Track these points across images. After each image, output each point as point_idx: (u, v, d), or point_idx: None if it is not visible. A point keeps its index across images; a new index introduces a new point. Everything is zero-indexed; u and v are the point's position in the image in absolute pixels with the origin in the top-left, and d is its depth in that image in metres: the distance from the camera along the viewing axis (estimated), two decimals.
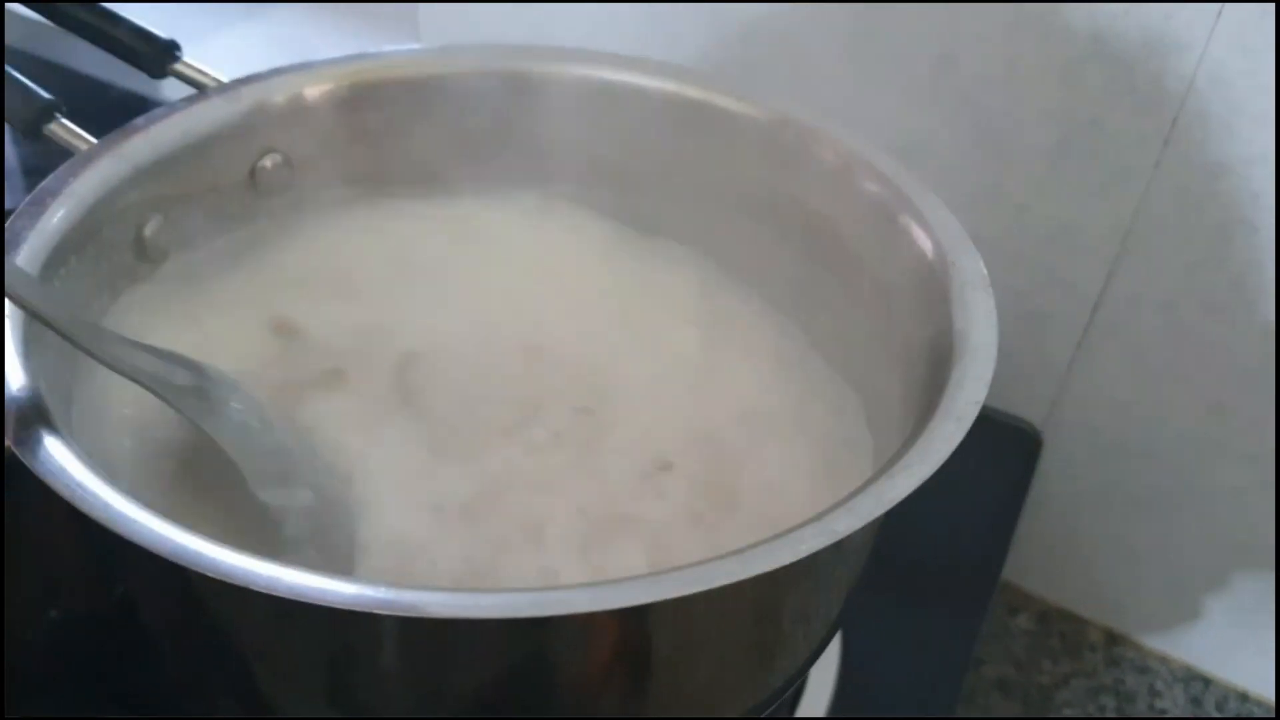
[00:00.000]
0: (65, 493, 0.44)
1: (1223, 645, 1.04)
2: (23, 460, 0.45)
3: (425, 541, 0.59)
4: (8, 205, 0.80)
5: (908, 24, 0.85)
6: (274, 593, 0.41)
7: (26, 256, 0.55)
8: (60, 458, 0.46)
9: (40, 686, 0.72)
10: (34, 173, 1.03)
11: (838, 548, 0.44)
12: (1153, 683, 1.07)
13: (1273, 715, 1.04)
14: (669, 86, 0.71)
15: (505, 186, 0.75)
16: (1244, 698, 1.05)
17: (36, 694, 0.71)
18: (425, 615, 0.42)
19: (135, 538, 0.42)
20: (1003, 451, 0.96)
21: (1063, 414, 0.98)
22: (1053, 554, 1.06)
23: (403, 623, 0.45)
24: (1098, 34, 0.80)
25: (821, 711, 0.75)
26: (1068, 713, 1.09)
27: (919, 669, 0.79)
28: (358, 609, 0.41)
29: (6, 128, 0.67)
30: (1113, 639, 1.08)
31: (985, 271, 0.58)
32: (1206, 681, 1.06)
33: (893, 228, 0.63)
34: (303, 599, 0.41)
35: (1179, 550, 1.00)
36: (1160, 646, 1.07)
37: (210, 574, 0.41)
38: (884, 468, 0.47)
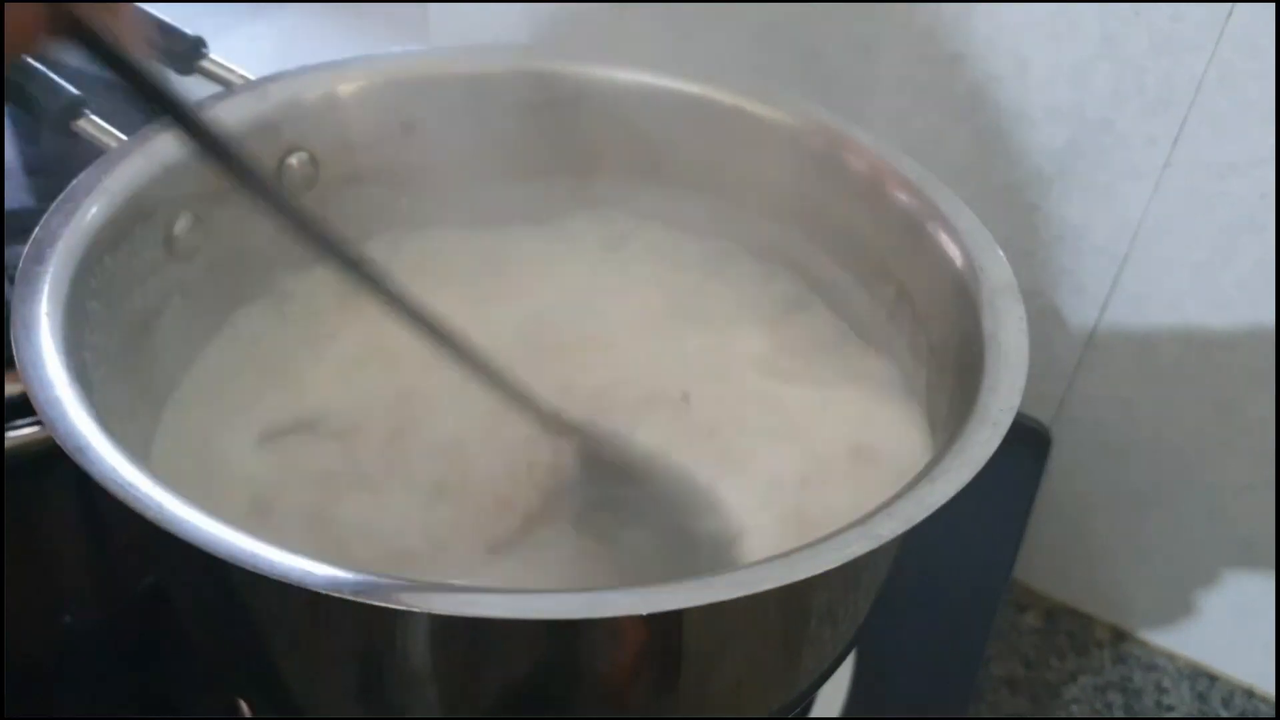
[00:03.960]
0: (119, 492, 0.44)
1: (1229, 642, 1.05)
2: (73, 459, 0.46)
3: None
4: (12, 206, 0.80)
5: (919, 24, 0.86)
6: (325, 591, 0.41)
7: (62, 254, 0.55)
8: (110, 459, 0.46)
9: (52, 687, 0.72)
10: (37, 172, 1.02)
11: (873, 552, 0.45)
12: (1159, 679, 1.08)
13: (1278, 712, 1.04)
14: (697, 90, 0.72)
15: (534, 185, 0.76)
16: (1250, 694, 1.06)
17: (48, 696, 0.72)
18: (473, 616, 0.42)
19: (189, 537, 0.43)
20: (1012, 450, 0.95)
21: (1071, 413, 0.98)
22: (1060, 552, 1.07)
23: (440, 620, 0.46)
24: (1108, 35, 0.80)
25: (837, 707, 0.76)
26: (1075, 710, 1.10)
27: (932, 667, 0.80)
28: (403, 609, 0.42)
29: (19, 122, 0.68)
30: (1120, 636, 1.09)
31: (1014, 279, 0.58)
32: (1213, 678, 1.07)
33: (921, 235, 0.64)
34: (347, 597, 0.42)
35: (1186, 548, 1.01)
36: (1167, 644, 1.08)
37: (260, 571, 0.42)
38: (923, 472, 0.48)
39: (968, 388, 0.54)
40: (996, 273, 0.59)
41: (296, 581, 0.41)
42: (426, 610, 0.42)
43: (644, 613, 0.42)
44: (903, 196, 0.65)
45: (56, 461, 0.46)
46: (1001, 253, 0.61)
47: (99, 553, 0.78)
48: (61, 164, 0.61)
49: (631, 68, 0.73)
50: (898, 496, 0.47)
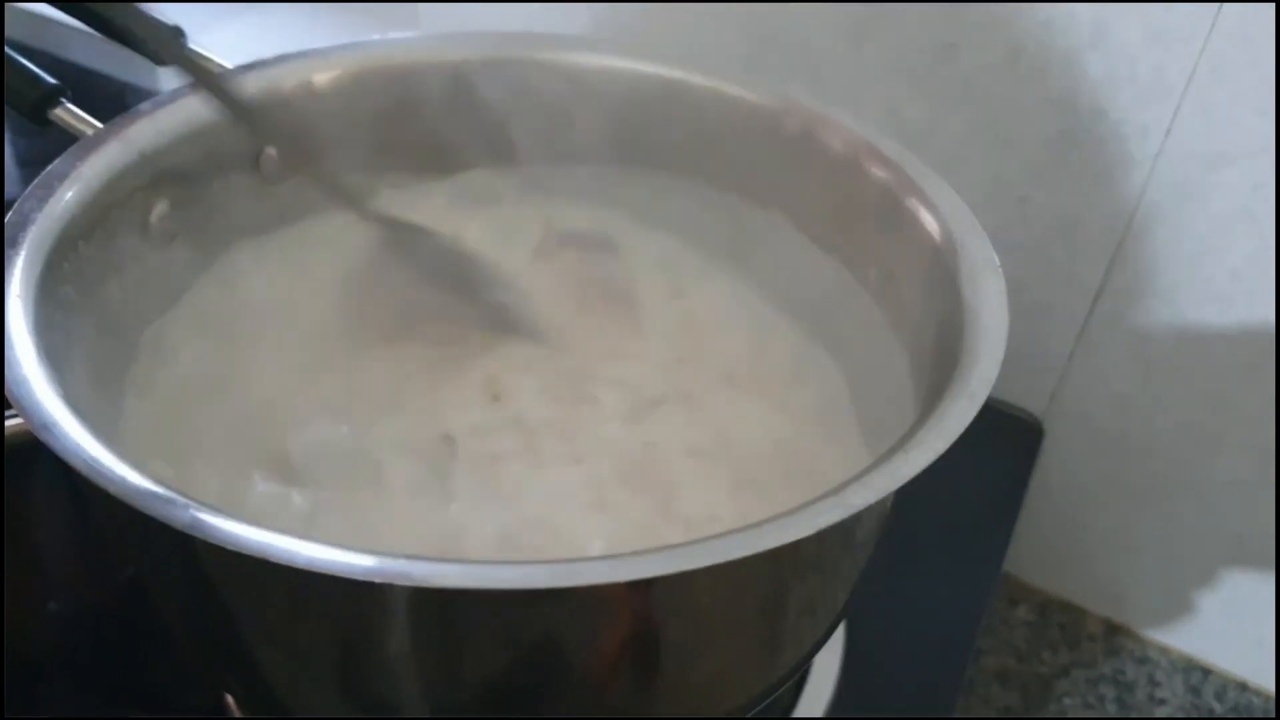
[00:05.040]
0: (84, 469, 0.44)
1: (1222, 636, 1.05)
2: (40, 439, 0.45)
3: None
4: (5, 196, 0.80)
5: (911, 13, 0.86)
6: (294, 565, 0.41)
7: (35, 238, 0.55)
8: (76, 435, 0.46)
9: (39, 680, 0.72)
10: (30, 164, 1.03)
11: (850, 527, 0.44)
12: (1152, 673, 1.07)
13: (1272, 704, 1.04)
14: (674, 73, 0.72)
15: (508, 172, 0.75)
16: (1243, 688, 1.05)
17: (36, 688, 0.71)
18: (441, 587, 0.42)
19: (156, 513, 0.42)
20: (1004, 442, 0.96)
21: (1063, 405, 0.98)
22: (1052, 545, 1.07)
23: (414, 594, 0.45)
24: (1100, 24, 0.80)
25: (825, 700, 0.76)
26: (1067, 703, 1.10)
27: (923, 660, 0.80)
28: (376, 580, 0.41)
29: (9, 115, 0.67)
30: (1112, 629, 1.08)
31: (994, 255, 0.58)
32: (1206, 672, 1.06)
33: (900, 213, 0.63)
34: (320, 571, 0.41)
35: (1178, 541, 1.00)
36: (1159, 637, 1.07)
37: (233, 548, 0.41)
38: (898, 444, 0.47)
39: (947, 362, 0.53)
40: (976, 248, 0.58)
41: (260, 555, 0.41)
42: (395, 582, 0.41)
43: (610, 581, 0.42)
44: (881, 174, 0.65)
45: (42, 451, 0.46)
46: (981, 228, 0.60)
47: (85, 543, 0.77)
48: (55, 157, 0.61)
49: (610, 53, 0.72)
50: (872, 467, 0.46)
